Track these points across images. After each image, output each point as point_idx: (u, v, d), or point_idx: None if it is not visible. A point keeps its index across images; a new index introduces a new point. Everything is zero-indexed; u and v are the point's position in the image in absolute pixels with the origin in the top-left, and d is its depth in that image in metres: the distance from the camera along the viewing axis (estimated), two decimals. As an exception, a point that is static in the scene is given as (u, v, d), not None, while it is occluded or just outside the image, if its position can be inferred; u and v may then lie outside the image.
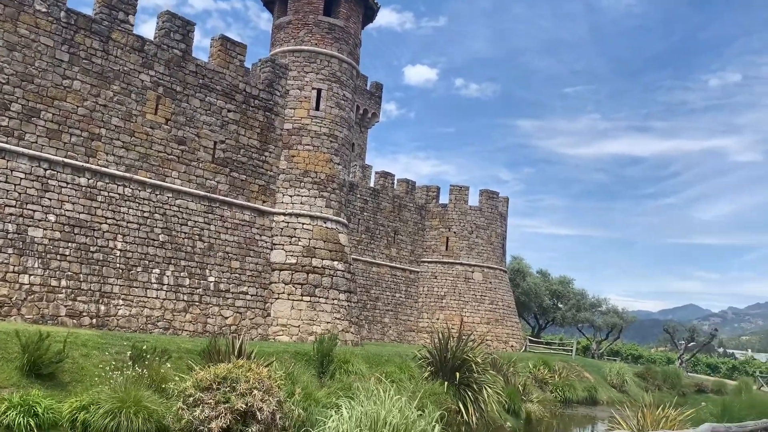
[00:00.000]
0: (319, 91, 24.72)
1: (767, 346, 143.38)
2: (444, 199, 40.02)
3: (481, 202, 39.92)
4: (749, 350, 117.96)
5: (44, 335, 12.07)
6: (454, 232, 39.05)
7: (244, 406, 11.63)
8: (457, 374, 18.28)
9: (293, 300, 22.87)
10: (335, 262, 24.05)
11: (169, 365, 13.32)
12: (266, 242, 23.31)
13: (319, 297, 23.15)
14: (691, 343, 50.81)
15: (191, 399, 11.79)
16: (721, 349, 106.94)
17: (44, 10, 17.52)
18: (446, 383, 17.89)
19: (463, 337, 20.09)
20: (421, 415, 9.60)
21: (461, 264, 38.69)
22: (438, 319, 37.33)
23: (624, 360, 51.64)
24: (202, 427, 11.43)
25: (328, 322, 22.88)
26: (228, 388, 11.92)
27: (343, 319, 23.48)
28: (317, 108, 24.66)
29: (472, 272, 38.68)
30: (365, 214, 35.58)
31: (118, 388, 11.62)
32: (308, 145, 24.37)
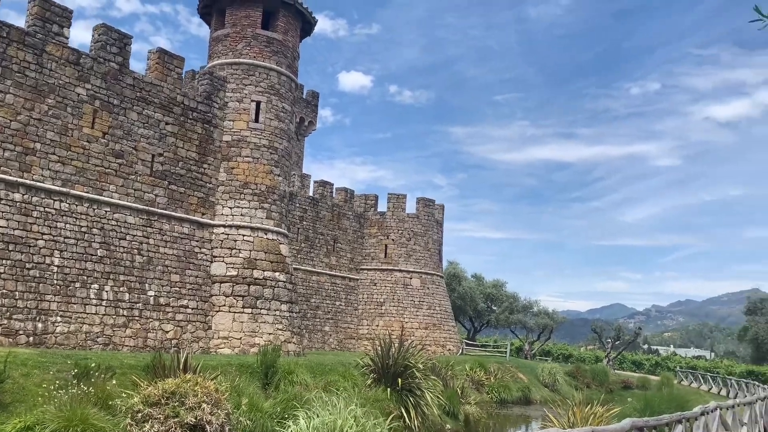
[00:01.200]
0: (258, 103, 24.92)
1: (687, 341, 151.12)
2: (382, 207, 40.76)
3: (418, 210, 40.86)
4: (671, 346, 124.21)
5: (-17, 356, 11.90)
6: (393, 240, 39.82)
7: (193, 420, 11.86)
8: (399, 380, 18.87)
9: (234, 312, 22.95)
10: (277, 273, 24.26)
11: (114, 382, 13.33)
12: (206, 255, 23.30)
13: (261, 308, 23.31)
14: (618, 341, 53.34)
15: (140, 415, 11.91)
16: (645, 346, 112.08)
17: (-26, 22, 17.10)
18: (389, 389, 18.45)
19: (404, 343, 20.71)
20: (376, 423, 10.11)
21: (400, 270, 39.48)
22: (378, 325, 37.96)
23: (555, 359, 53.71)
24: (151, 443, 11.56)
25: (270, 334, 23.08)
26: (177, 403, 12.11)
27: (285, 330, 23.72)
28: (256, 120, 24.85)
29: (411, 278, 39.53)
30: (305, 223, 35.84)
31: (64, 407, 11.58)
32: (248, 156, 24.52)
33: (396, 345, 20.20)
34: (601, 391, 33.43)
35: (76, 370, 12.98)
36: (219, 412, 12.36)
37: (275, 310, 23.63)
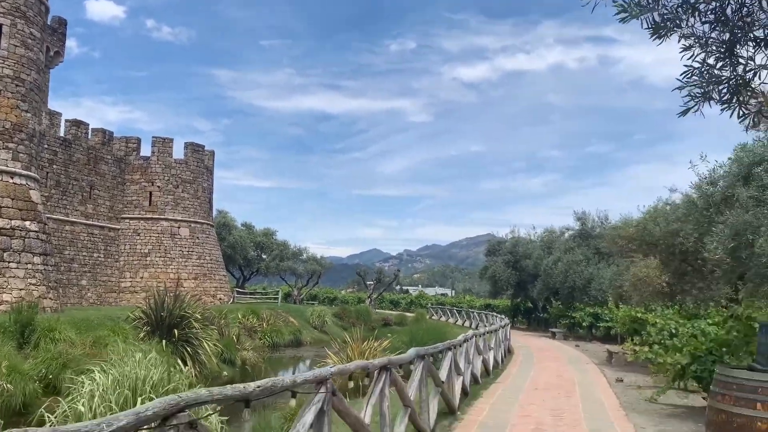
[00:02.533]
0: (0, 26, 21.43)
1: (433, 281, 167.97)
2: (146, 151, 38.13)
3: (186, 156, 38.97)
4: (419, 286, 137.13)
5: None
6: (158, 187, 37.60)
7: (-61, 390, 10.28)
8: (175, 331, 18.24)
9: (-25, 267, 20.01)
10: (27, 222, 21.58)
11: None
12: (-66, 201, 19.82)
13: (9, 262, 20.64)
14: (378, 283, 57.40)
15: None
16: (398, 287, 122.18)
17: None
18: (164, 341, 17.72)
19: (179, 294, 20.00)
20: (174, 371, 9.73)
21: (167, 219, 37.56)
22: (142, 277, 35.95)
23: (322, 303, 56.06)
24: None
25: (21, 289, 20.61)
26: None
27: (39, 285, 21.35)
28: (-3, 46, 21.39)
29: (179, 228, 37.89)
30: (55, 167, 32.15)
31: None
32: (-13, 88, 21.10)
33: (171, 296, 19.40)
34: (366, 329, 35.77)
35: None
36: (-29, 378, 10.88)
37: (27, 263, 21.10)
